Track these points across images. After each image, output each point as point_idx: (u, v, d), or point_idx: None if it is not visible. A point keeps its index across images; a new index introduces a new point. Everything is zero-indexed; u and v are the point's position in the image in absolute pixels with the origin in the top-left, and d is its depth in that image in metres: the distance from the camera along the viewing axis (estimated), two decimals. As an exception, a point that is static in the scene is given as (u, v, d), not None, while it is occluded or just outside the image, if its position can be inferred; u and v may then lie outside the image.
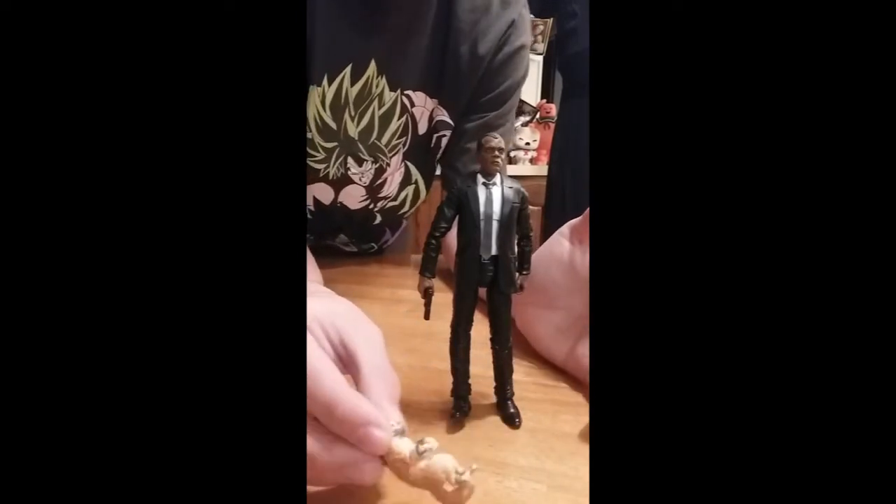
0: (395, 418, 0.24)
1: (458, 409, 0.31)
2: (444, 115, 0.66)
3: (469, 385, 0.32)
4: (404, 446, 0.22)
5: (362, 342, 0.28)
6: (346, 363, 0.28)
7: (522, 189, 0.30)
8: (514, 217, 0.29)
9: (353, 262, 0.75)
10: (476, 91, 0.65)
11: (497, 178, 0.29)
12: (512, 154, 2.39)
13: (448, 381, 0.32)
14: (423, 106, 0.65)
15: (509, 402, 0.32)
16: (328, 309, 0.29)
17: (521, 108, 2.41)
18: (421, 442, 0.22)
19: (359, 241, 0.79)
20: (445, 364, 0.32)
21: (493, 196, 0.29)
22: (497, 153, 0.29)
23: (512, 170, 2.22)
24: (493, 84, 0.65)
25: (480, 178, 0.29)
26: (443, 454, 0.22)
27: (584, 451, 0.28)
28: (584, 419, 0.32)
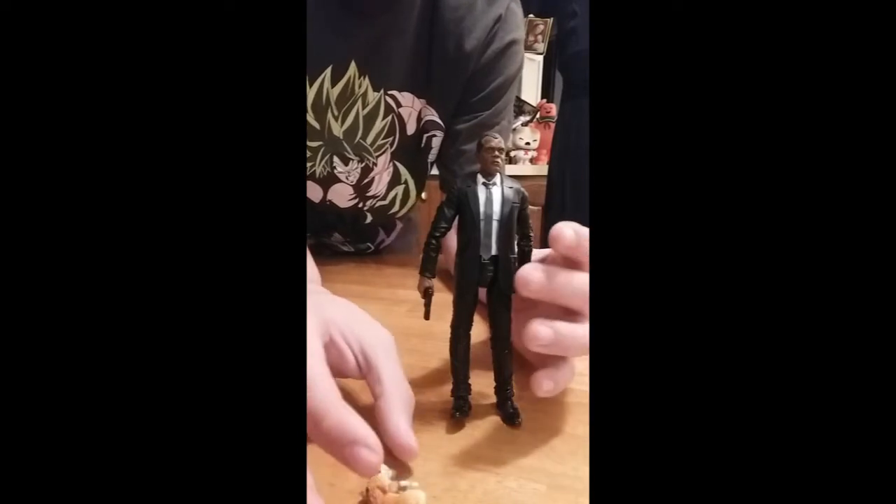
0: (409, 444, 0.23)
1: (458, 409, 0.31)
2: (433, 115, 0.65)
3: (469, 385, 0.32)
4: (385, 474, 0.22)
5: (381, 352, 0.28)
6: (364, 371, 0.28)
7: (522, 189, 0.30)
8: (514, 217, 0.29)
9: (354, 262, 0.75)
10: (467, 90, 0.64)
11: (497, 178, 0.29)
12: (512, 154, 2.39)
13: (448, 381, 0.32)
14: (410, 106, 0.64)
15: (509, 402, 0.32)
16: (346, 316, 0.29)
17: (522, 107, 2.42)
18: (406, 482, 0.23)
19: (354, 241, 0.79)
20: (445, 364, 0.32)
21: (493, 196, 0.29)
22: (497, 153, 0.29)
23: (512, 169, 2.22)
24: (484, 82, 0.64)
25: (480, 178, 0.29)
26: (418, 490, 0.22)
27: (584, 451, 0.28)
28: (584, 419, 0.32)
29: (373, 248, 0.82)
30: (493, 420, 0.31)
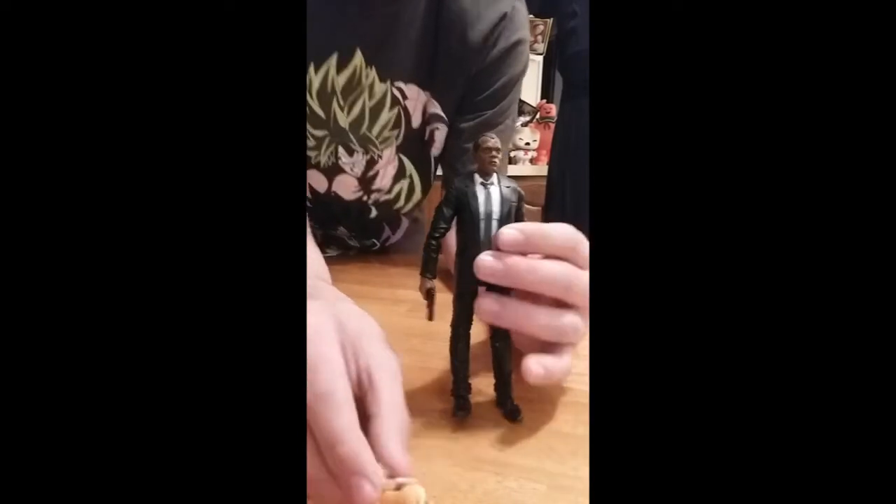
0: (403, 468, 0.23)
1: (459, 409, 0.31)
2: (436, 108, 0.66)
3: (469, 384, 0.32)
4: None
5: (388, 376, 0.27)
6: (364, 390, 0.27)
7: (519, 188, 0.30)
8: (513, 216, 0.30)
9: (357, 262, 0.75)
10: (472, 88, 0.64)
11: (494, 178, 0.29)
12: (512, 154, 2.39)
13: (448, 381, 0.32)
14: (415, 99, 0.65)
15: (510, 400, 0.32)
16: (358, 328, 0.29)
17: (522, 108, 2.41)
18: (402, 479, 0.23)
19: (359, 236, 0.78)
20: (445, 364, 0.32)
21: (491, 196, 0.29)
22: (494, 153, 0.29)
23: (512, 170, 2.22)
24: (489, 81, 0.64)
25: (478, 178, 0.29)
26: (416, 486, 0.22)
27: (584, 451, 0.28)
28: (584, 419, 0.32)
29: (378, 245, 0.81)
30: (493, 420, 0.31)
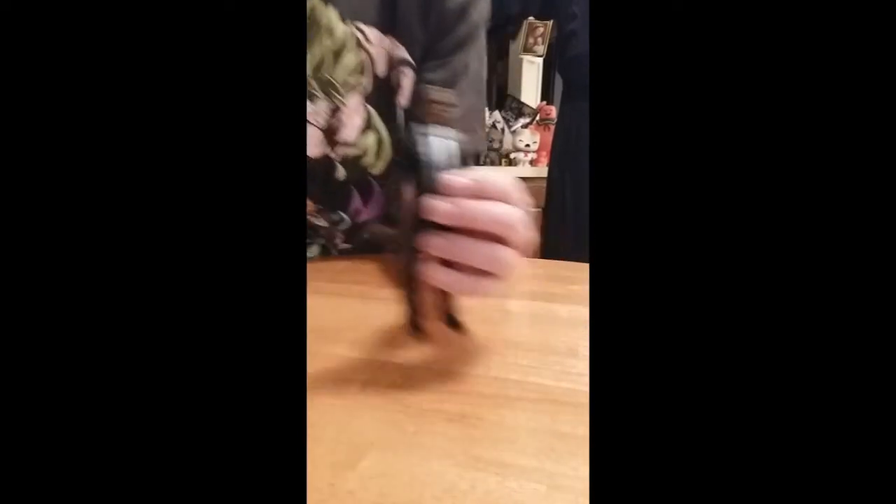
0: None
1: (416, 329, 0.35)
2: (403, 53, 0.65)
3: (423, 312, 0.35)
4: None
5: None
6: None
7: (455, 138, 0.33)
8: (455, 163, 0.32)
9: (356, 262, 0.75)
10: (435, 34, 0.65)
11: (433, 128, 0.32)
12: (512, 156, 2.39)
13: (446, 382, 0.32)
14: (379, 44, 0.64)
15: (449, 315, 0.36)
16: None
17: (522, 109, 2.42)
18: None
19: (326, 208, 0.72)
20: (441, 364, 0.32)
21: (431, 144, 0.32)
22: (436, 105, 0.32)
23: (512, 171, 2.22)
24: (452, 25, 0.65)
25: (419, 128, 0.32)
26: None
27: (584, 451, 0.28)
28: (584, 419, 0.32)
29: (347, 219, 0.74)
30: (494, 420, 0.31)
